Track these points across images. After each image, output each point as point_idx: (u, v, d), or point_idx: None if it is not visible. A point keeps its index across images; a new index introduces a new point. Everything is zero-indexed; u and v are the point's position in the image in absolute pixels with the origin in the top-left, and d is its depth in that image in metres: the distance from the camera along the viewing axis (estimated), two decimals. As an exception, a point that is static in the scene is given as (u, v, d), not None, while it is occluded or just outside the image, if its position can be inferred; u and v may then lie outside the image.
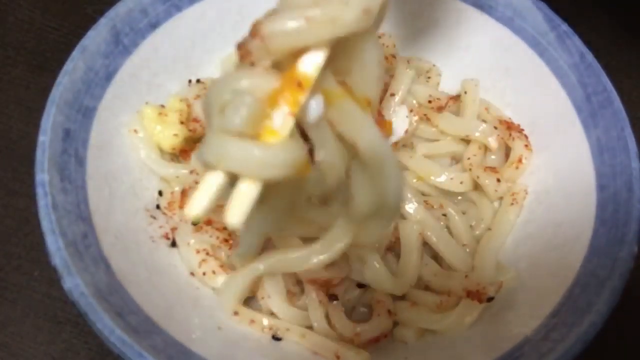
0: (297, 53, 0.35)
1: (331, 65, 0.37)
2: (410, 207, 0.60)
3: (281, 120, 0.35)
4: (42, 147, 0.50)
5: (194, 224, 0.56)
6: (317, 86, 0.36)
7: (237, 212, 0.35)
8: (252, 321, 0.55)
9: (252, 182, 0.35)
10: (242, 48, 0.35)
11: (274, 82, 0.35)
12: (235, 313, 0.55)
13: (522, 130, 0.66)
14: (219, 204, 0.59)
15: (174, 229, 0.60)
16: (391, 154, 0.40)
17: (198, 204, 0.35)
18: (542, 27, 0.63)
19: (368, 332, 0.55)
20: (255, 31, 0.34)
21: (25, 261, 0.67)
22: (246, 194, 0.35)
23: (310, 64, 0.35)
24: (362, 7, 0.35)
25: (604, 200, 0.55)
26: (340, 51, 0.38)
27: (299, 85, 0.35)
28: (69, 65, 0.55)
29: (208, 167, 0.36)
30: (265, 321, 0.55)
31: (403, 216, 0.61)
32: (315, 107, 0.36)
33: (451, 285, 0.57)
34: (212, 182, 0.35)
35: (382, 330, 0.55)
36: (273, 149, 0.35)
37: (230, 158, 0.35)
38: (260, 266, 0.53)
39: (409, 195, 0.61)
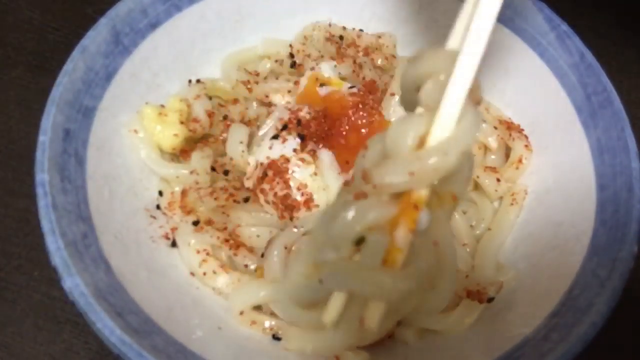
0: None
1: None
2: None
3: (402, 238, 0.39)
4: (42, 147, 0.50)
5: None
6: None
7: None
8: (254, 322, 0.55)
9: (379, 304, 0.41)
10: (357, 190, 0.40)
11: (394, 210, 0.39)
12: (241, 313, 0.55)
13: (522, 130, 0.66)
14: (220, 205, 0.59)
15: (174, 229, 0.60)
16: (455, 260, 0.44)
17: (330, 315, 0.42)
18: (542, 27, 0.63)
19: (371, 333, 0.55)
20: (367, 178, 0.39)
21: (25, 261, 0.67)
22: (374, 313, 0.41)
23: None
24: (461, 151, 0.38)
25: (604, 200, 0.54)
26: None
27: (415, 207, 0.39)
28: (69, 65, 0.55)
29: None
30: (267, 323, 0.55)
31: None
32: (425, 219, 0.40)
33: (451, 285, 0.57)
34: (338, 302, 0.42)
35: (385, 331, 0.55)
36: (399, 278, 0.39)
37: (364, 284, 0.40)
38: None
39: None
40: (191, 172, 0.61)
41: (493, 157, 0.66)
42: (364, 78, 0.67)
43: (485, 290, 0.56)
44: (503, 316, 0.55)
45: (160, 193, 0.61)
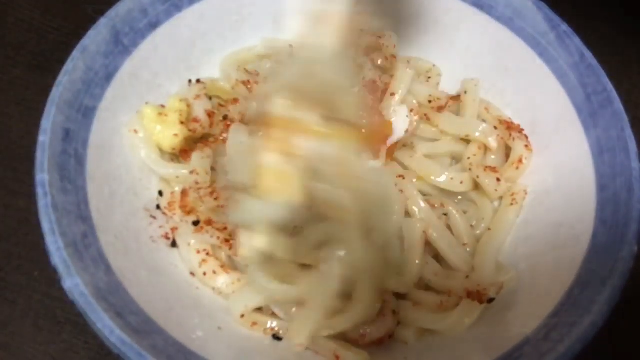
0: None
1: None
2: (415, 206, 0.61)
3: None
4: (42, 147, 0.50)
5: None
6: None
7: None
8: (255, 324, 0.55)
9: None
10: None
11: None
12: (242, 316, 0.55)
13: (522, 130, 0.66)
14: (219, 205, 0.59)
15: (174, 229, 0.60)
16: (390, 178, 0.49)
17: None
18: (542, 27, 0.63)
19: (374, 333, 0.55)
20: None
21: (25, 261, 0.66)
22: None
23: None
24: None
25: (604, 200, 0.54)
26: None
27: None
28: (69, 65, 0.55)
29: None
30: (268, 324, 0.55)
31: (407, 214, 0.61)
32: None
33: (452, 285, 0.57)
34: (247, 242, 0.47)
35: (387, 331, 0.55)
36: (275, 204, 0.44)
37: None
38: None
39: (415, 193, 0.61)
40: (191, 172, 0.61)
41: (493, 157, 0.66)
42: (364, 78, 0.67)
43: (486, 291, 0.56)
44: (503, 316, 0.55)
45: (160, 193, 0.61)
